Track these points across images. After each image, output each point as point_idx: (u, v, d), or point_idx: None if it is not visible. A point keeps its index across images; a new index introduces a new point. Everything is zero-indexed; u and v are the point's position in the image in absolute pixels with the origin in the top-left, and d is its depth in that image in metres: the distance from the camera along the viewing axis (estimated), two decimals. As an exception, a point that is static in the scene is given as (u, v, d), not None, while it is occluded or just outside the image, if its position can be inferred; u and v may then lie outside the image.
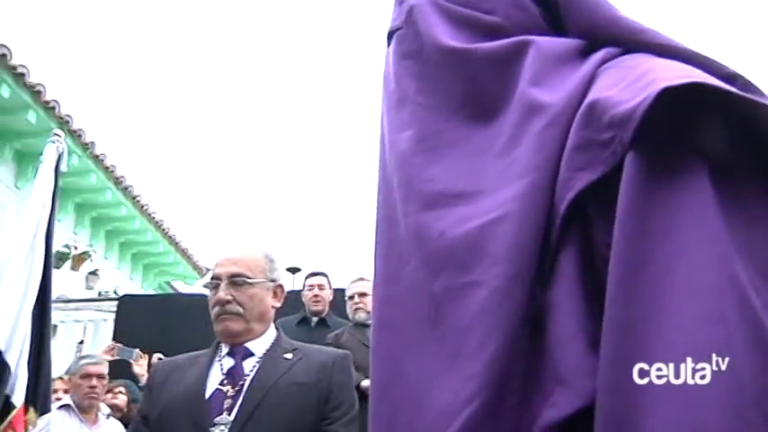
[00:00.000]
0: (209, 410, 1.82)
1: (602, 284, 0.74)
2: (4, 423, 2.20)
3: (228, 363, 1.93)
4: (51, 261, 2.55)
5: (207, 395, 1.85)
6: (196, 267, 10.54)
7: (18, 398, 2.28)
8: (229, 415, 1.80)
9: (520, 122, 0.89)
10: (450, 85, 1.04)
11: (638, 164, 0.74)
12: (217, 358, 1.95)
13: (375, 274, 0.99)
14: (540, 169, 0.83)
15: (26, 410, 2.30)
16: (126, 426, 4.24)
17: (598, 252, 0.78)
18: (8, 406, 2.23)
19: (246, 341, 1.95)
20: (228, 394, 1.85)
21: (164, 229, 9.50)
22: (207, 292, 2.02)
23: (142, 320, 6.32)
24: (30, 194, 6.77)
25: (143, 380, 4.99)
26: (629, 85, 0.79)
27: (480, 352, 0.78)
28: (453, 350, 0.81)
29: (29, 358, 2.33)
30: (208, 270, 10.28)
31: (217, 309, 1.94)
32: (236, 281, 1.93)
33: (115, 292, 8.04)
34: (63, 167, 2.63)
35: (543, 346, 0.78)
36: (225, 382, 1.88)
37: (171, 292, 9.96)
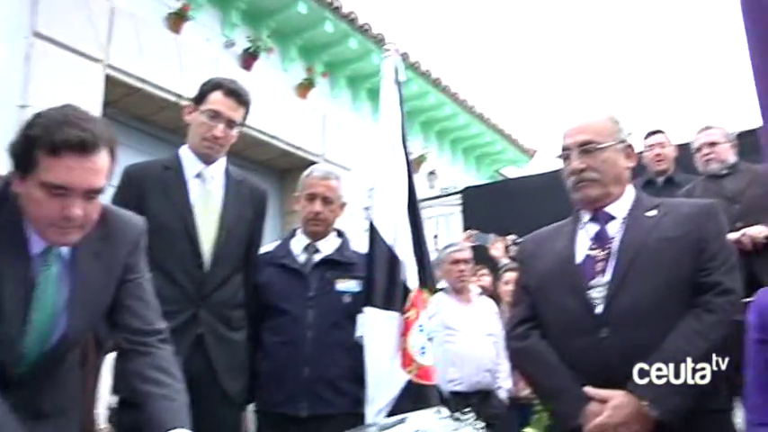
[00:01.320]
0: (583, 274, 1.89)
1: None
2: (407, 304, 2.59)
3: (593, 228, 1.96)
4: (411, 162, 2.83)
5: (578, 260, 1.92)
6: (524, 150, 10.68)
7: (412, 282, 2.64)
8: (603, 277, 1.85)
9: None
10: None
11: None
12: (580, 226, 1.99)
13: (760, 104, 0.94)
14: None
15: (421, 292, 2.65)
16: (497, 302, 4.64)
17: None
18: (406, 290, 2.61)
19: (606, 205, 1.95)
20: (599, 258, 1.88)
21: (486, 120, 9.78)
22: (557, 165, 2.06)
23: (486, 208, 6.62)
24: (370, 112, 7.50)
25: (501, 261, 5.35)
26: None
27: None
28: None
29: (413, 249, 2.67)
30: (535, 151, 10.39)
31: (573, 178, 1.96)
32: (586, 148, 1.92)
33: (455, 187, 8.55)
34: (401, 77, 2.87)
35: None
36: (593, 246, 1.92)
37: (503, 178, 10.25)
